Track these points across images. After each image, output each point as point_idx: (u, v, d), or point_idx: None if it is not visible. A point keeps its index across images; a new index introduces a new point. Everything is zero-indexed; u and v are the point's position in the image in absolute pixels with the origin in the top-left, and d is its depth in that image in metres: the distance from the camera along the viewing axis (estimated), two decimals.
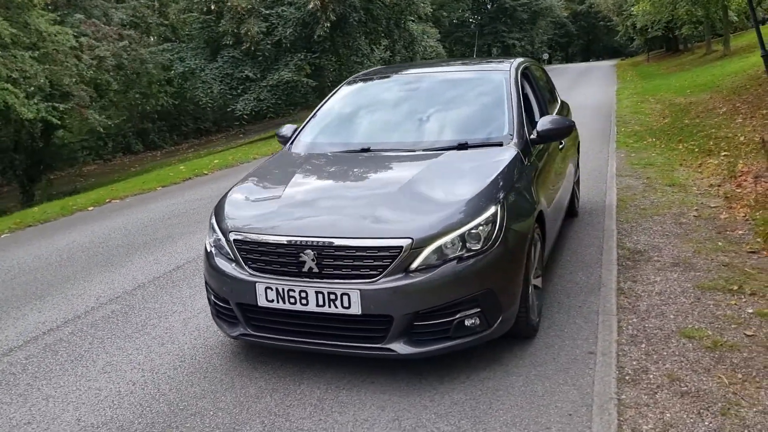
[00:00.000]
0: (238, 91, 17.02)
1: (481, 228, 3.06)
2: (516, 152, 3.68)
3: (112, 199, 9.48)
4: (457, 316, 3.01)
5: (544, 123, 3.98)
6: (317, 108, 4.69)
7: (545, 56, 58.12)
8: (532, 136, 3.95)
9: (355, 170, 3.84)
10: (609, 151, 9.66)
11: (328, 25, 15.80)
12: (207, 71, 16.75)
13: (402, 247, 2.95)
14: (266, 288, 3.13)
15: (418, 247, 2.95)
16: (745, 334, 3.46)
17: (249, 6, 16.27)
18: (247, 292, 3.18)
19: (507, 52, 53.47)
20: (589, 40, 75.32)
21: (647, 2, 24.06)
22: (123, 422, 3.00)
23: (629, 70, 33.70)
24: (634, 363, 3.23)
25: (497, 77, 4.39)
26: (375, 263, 2.96)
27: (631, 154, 9.25)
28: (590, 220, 6.05)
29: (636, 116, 13.63)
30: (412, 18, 21.63)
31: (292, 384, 3.24)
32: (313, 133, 4.42)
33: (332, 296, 2.99)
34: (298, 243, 3.09)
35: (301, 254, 3.06)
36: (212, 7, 16.36)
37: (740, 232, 5.20)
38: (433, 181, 3.41)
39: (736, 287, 4.07)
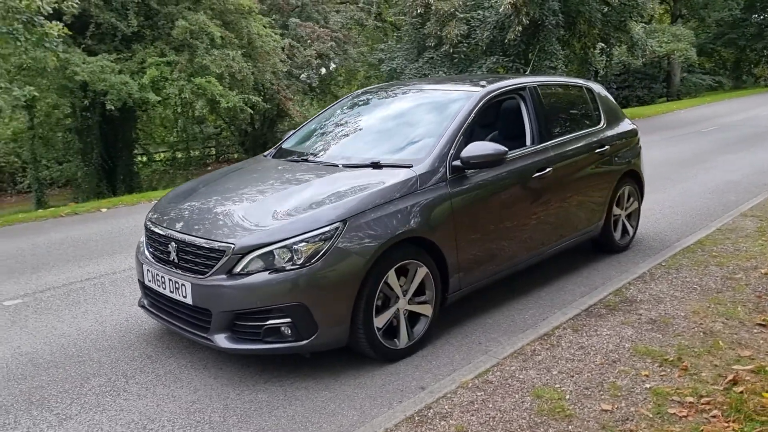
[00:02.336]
0: None
1: (303, 245, 3.24)
2: (412, 176, 3.69)
3: None
4: (268, 323, 3.26)
5: (470, 150, 3.87)
6: (309, 119, 5.10)
7: None
8: (455, 163, 3.87)
9: (268, 175, 4.20)
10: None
11: (520, 29, 15.54)
12: (407, 71, 17.73)
13: (224, 250, 3.29)
14: (148, 270, 3.73)
15: (240, 253, 3.26)
16: (601, 408, 3.06)
17: (452, 9, 16.75)
18: (142, 272, 3.83)
19: None
20: None
21: None
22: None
23: None
24: (446, 408, 3.11)
25: (457, 101, 4.32)
26: (207, 262, 3.36)
27: None
28: (627, 259, 5.43)
29: None
30: (639, 19, 19.94)
31: (152, 357, 3.81)
32: (290, 141, 4.84)
33: (177, 285, 3.46)
34: (168, 236, 3.63)
35: (169, 246, 3.59)
36: (419, 11, 17.21)
37: None
38: (300, 193, 3.65)
39: (675, 359, 3.50)
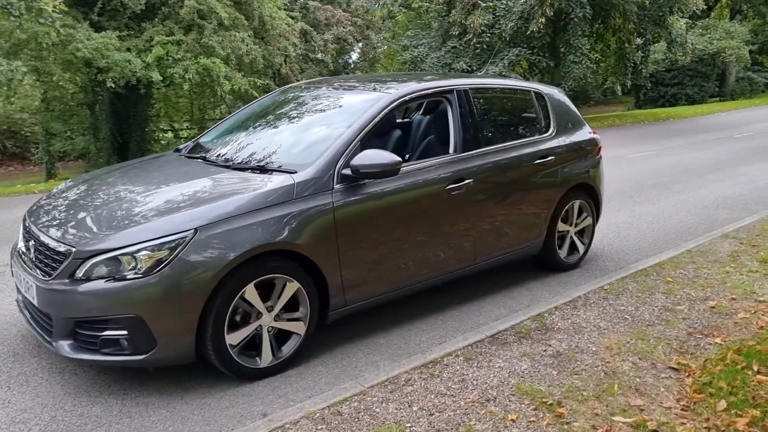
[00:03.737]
0: None
1: (145, 253, 3.03)
2: (288, 183, 3.43)
3: None
4: (104, 334, 3.07)
5: (361, 158, 3.58)
6: (234, 113, 4.87)
7: None
8: (344, 171, 3.59)
9: (158, 173, 4.00)
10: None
11: (543, 20, 14.87)
12: (428, 60, 17.28)
13: (66, 253, 3.11)
14: (14, 265, 3.60)
15: (80, 257, 3.08)
16: None
17: None
18: (11, 266, 3.70)
19: None
20: None
21: None
22: None
23: None
24: None
25: (366, 104, 4.02)
26: (53, 264, 3.18)
27: None
28: (570, 279, 5.04)
29: None
30: (681, 14, 18.86)
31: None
32: (209, 135, 4.63)
33: (28, 285, 3.31)
34: (31, 232, 3.48)
35: (30, 242, 3.44)
36: None
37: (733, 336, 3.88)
38: (166, 195, 3.44)
39: (555, 402, 3.16)
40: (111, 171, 4.33)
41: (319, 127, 4.03)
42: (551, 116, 4.98)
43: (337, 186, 3.57)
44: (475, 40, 16.70)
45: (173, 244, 3.05)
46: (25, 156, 18.26)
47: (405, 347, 3.85)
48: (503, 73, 15.72)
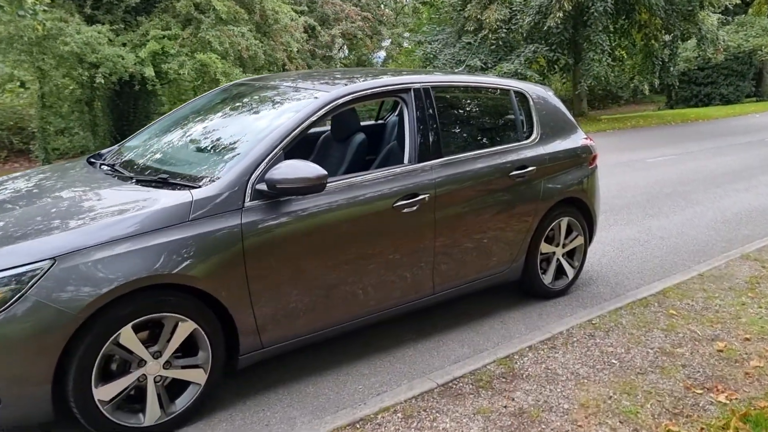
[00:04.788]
0: None
1: None
2: (184, 201, 2.81)
3: None
4: None
5: (278, 171, 2.95)
6: (167, 114, 4.27)
7: None
8: (260, 186, 2.96)
9: (57, 184, 3.41)
10: None
11: (561, 15, 14.01)
12: (442, 57, 16.54)
13: None
14: None
15: None
16: None
17: None
18: None
19: None
20: None
21: None
22: None
23: None
24: None
25: (299, 105, 3.39)
26: None
27: None
28: (555, 309, 4.33)
29: None
30: (713, 9, 17.76)
31: None
32: (134, 140, 4.03)
33: None
34: None
35: None
36: None
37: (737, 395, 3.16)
38: (36, 216, 2.84)
39: None
40: (23, 177, 3.76)
41: (241, 133, 3.40)
42: (534, 120, 4.28)
43: (249, 204, 2.94)
44: (491, 36, 15.91)
45: (24, 278, 2.46)
46: (31, 152, 18.05)
47: (335, 398, 3.21)
48: (518, 71, 14.93)
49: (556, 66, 16.37)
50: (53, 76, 11.56)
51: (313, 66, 15.88)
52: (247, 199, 2.94)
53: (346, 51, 18.25)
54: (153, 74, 11.59)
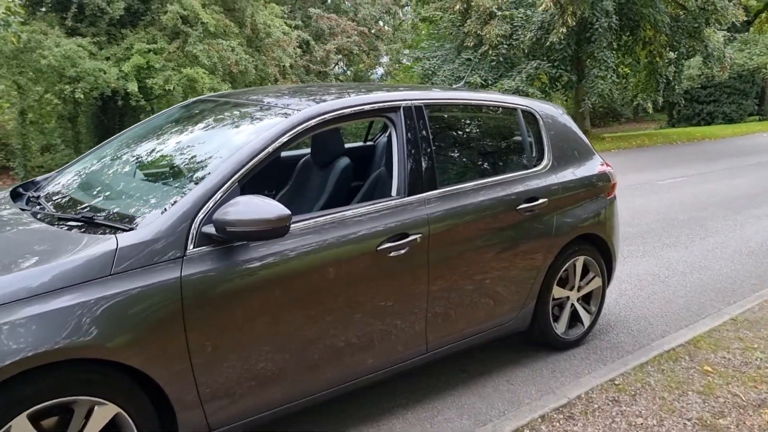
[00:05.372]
0: None
1: None
2: (106, 251, 2.20)
3: None
4: None
5: (230, 210, 2.34)
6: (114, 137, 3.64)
7: None
8: (206, 229, 2.35)
9: None
10: None
11: (564, 30, 13.51)
12: (441, 74, 16.03)
13: None
14: None
15: None
16: None
17: (495, 5, 14.93)
18: None
19: None
20: None
21: None
22: None
23: None
24: None
25: (266, 123, 2.80)
26: None
27: None
28: (569, 363, 3.70)
29: None
30: (719, 26, 17.29)
31: None
32: (70, 168, 3.40)
33: None
34: None
35: None
36: (457, 7, 15.48)
37: None
38: None
39: None
40: None
41: (191, 161, 2.79)
42: (545, 143, 3.68)
43: (192, 252, 2.33)
44: (491, 51, 15.40)
45: None
46: (13, 169, 17.49)
47: None
48: (520, 88, 14.39)
49: (558, 83, 15.86)
50: (33, 91, 10.99)
51: (306, 82, 15.35)
52: (190, 245, 2.33)
53: (343, 67, 17.70)
54: (136, 89, 11.03)
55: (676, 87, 18.16)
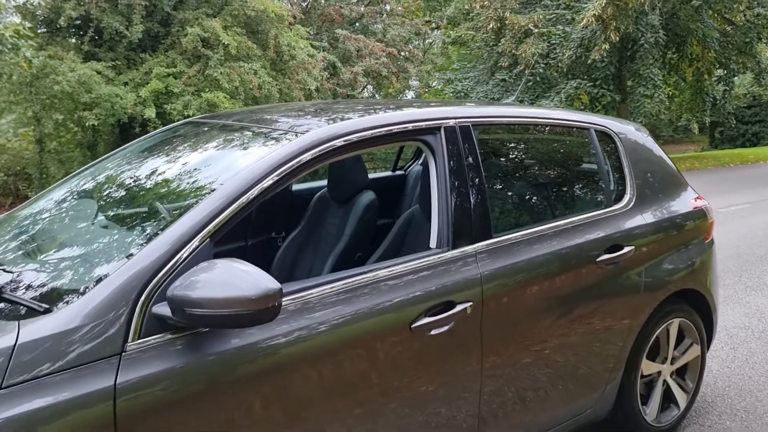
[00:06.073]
0: None
1: None
2: (3, 347, 1.44)
3: None
4: None
5: (200, 281, 1.57)
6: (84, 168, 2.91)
7: None
8: (158, 310, 1.58)
9: None
10: None
11: (607, 47, 12.65)
12: (474, 95, 15.29)
13: None
14: None
15: None
16: None
17: (529, 24, 14.17)
18: None
19: None
20: None
21: None
22: None
23: None
24: None
25: (258, 152, 2.04)
26: None
27: None
28: None
29: None
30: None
31: None
32: (20, 212, 2.68)
33: None
34: None
35: None
36: (491, 26, 14.78)
37: None
38: None
39: None
40: None
41: (151, 207, 2.03)
42: (627, 173, 2.83)
43: (135, 344, 1.56)
44: (527, 71, 14.60)
45: None
46: None
47: None
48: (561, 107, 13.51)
49: (598, 103, 14.95)
50: (49, 118, 10.55)
51: None
52: (133, 335, 1.56)
53: (372, 91, 17.05)
54: (154, 115, 10.49)
55: (726, 105, 17.05)
